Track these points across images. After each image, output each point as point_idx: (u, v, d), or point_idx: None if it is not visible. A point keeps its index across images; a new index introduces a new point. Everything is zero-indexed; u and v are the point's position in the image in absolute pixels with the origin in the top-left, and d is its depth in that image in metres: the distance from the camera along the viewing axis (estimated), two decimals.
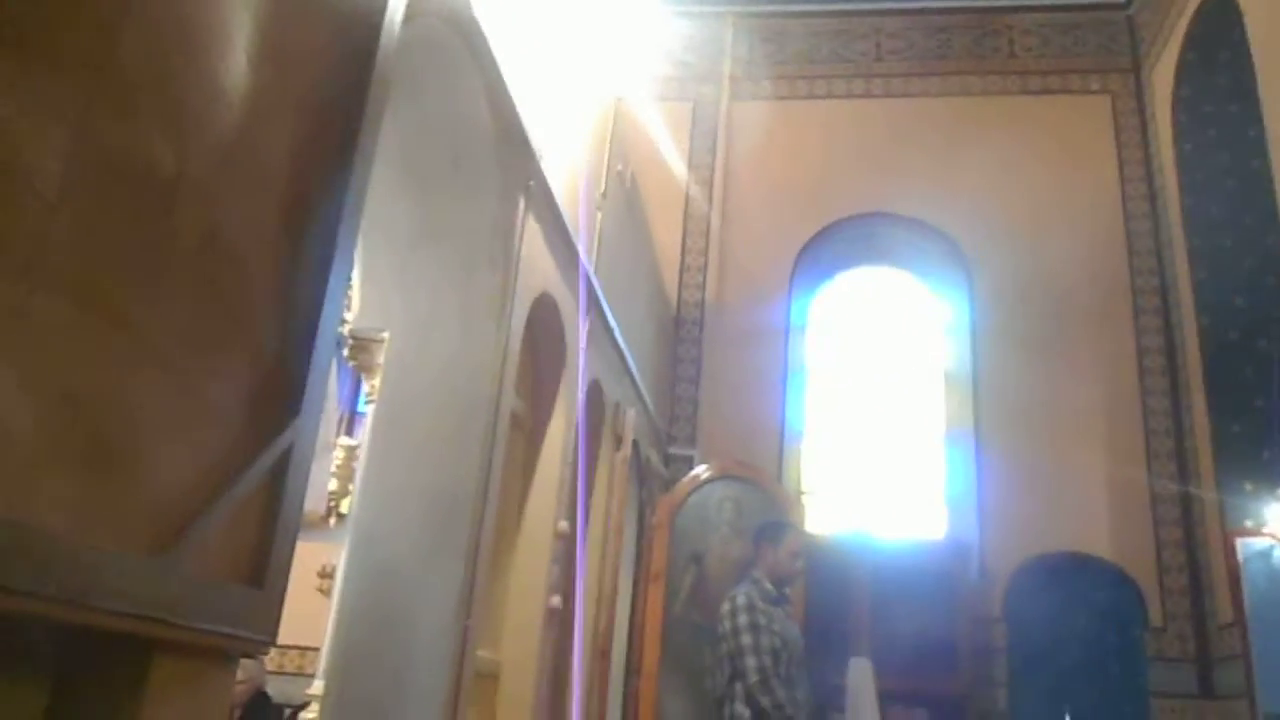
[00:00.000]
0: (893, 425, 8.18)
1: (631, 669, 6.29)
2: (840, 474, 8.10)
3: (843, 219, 8.29)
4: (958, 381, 8.04)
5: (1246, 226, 7.04)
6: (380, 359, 3.34)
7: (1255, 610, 6.13)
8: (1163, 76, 7.85)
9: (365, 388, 3.40)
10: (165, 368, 1.51)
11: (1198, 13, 7.21)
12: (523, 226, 3.56)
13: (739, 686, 4.12)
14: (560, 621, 4.64)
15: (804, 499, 7.73)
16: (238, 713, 4.27)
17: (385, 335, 3.37)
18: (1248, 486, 6.60)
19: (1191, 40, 7.41)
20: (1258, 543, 6.27)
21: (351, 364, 3.37)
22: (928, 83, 8.68)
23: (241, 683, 4.11)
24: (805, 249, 8.24)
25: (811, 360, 8.37)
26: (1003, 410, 7.60)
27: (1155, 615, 6.93)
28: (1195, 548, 7.01)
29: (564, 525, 4.52)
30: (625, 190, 5.70)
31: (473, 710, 3.51)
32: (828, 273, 8.59)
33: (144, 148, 1.42)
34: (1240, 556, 6.29)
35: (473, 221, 3.40)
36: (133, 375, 1.43)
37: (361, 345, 3.34)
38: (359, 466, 3.33)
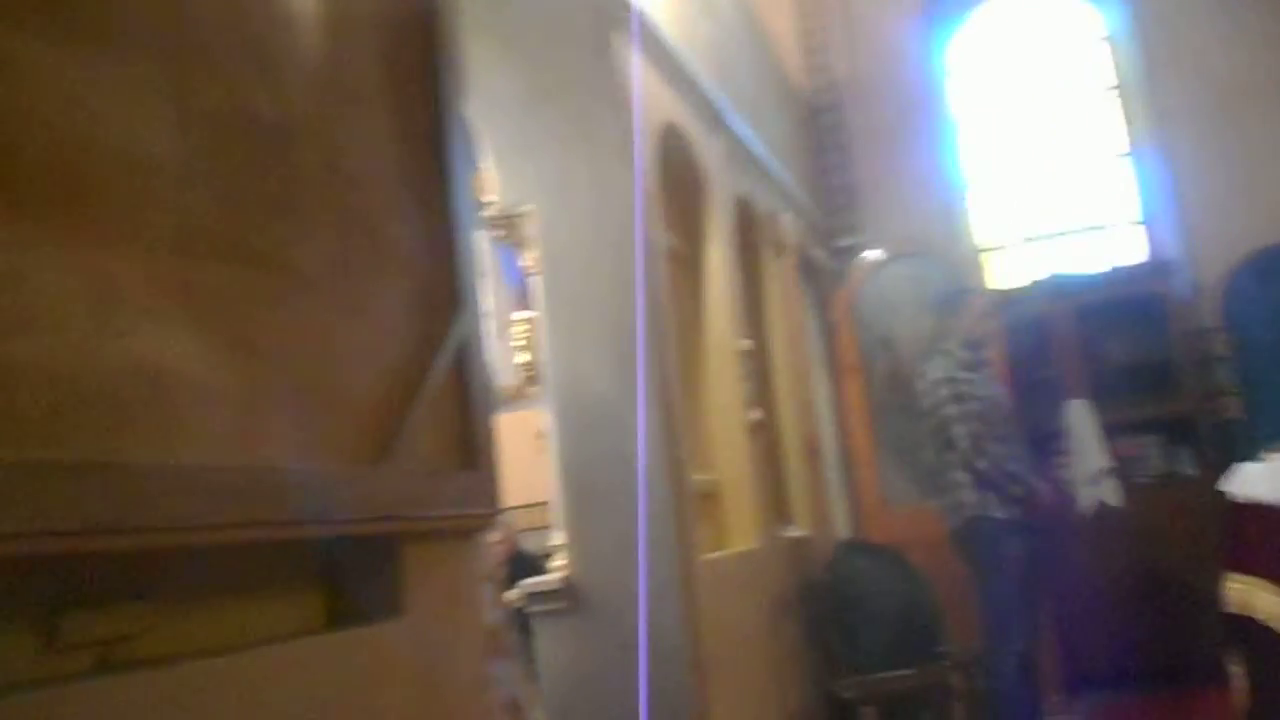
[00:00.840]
0: (1065, 155, 7.66)
1: (845, 460, 6.43)
2: (1017, 222, 7.72)
3: None
4: (1132, 93, 7.38)
5: None
6: (530, 231, 3.44)
7: None
8: None
9: (525, 261, 3.52)
10: (329, 297, 1.63)
11: None
12: (627, 63, 3.49)
13: (953, 455, 4.17)
14: (765, 432, 4.79)
15: (983, 258, 7.45)
16: (504, 569, 4.72)
17: (528, 207, 3.44)
18: None
19: None
20: None
21: (508, 242, 3.48)
22: None
23: (500, 543, 4.52)
24: None
25: (965, 109, 7.86)
26: (1187, 111, 6.95)
27: None
28: None
29: (746, 343, 4.59)
30: None
31: (701, 528, 3.72)
32: (963, 7, 7.91)
33: (245, 103, 1.49)
34: None
35: (576, 71, 3.37)
36: (303, 312, 1.56)
37: (511, 222, 3.44)
38: (541, 334, 3.49)
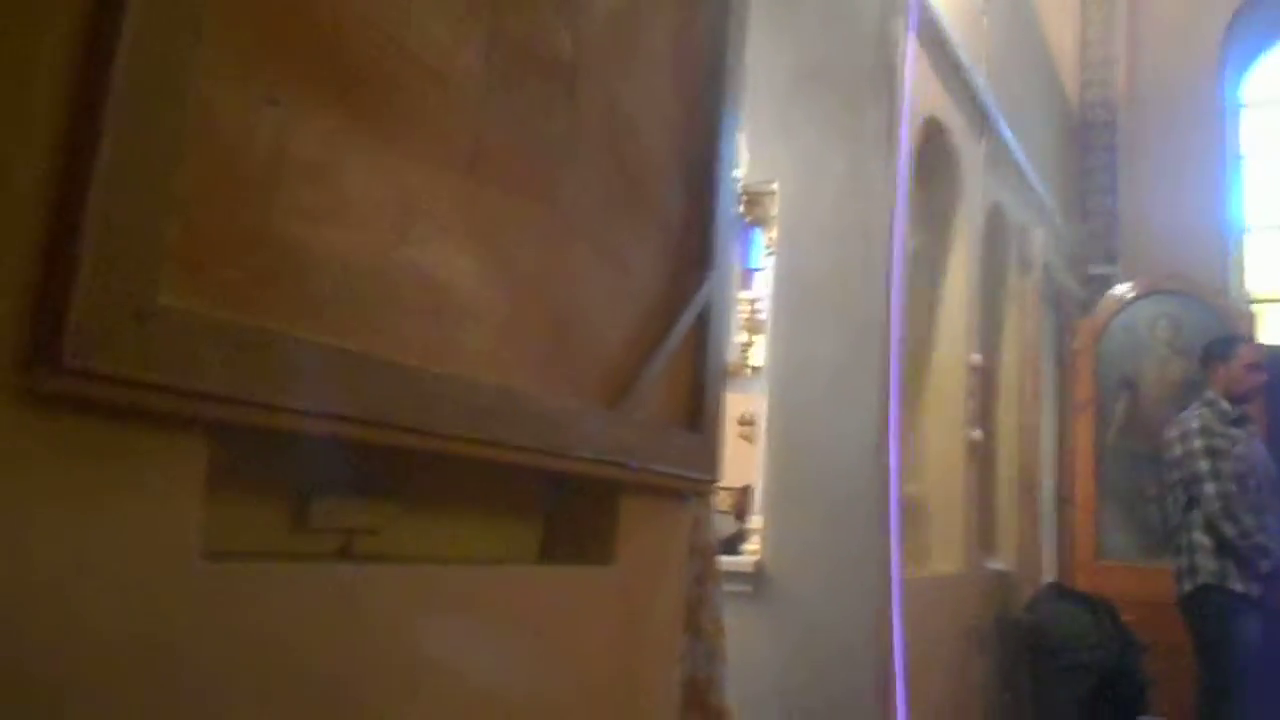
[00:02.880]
0: None
1: (1062, 501, 6.02)
2: None
3: None
4: None
5: None
6: (774, 211, 3.38)
7: None
8: None
9: (763, 240, 3.47)
10: (591, 240, 1.64)
11: None
12: (903, 52, 3.36)
13: (1197, 514, 3.81)
14: (983, 455, 4.54)
15: (1255, 307, 6.76)
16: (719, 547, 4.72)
17: (775, 186, 3.39)
18: None
19: None
20: None
21: (747, 219, 3.45)
22: None
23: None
24: (1237, 14, 6.93)
25: (1255, 145, 7.14)
26: None
27: None
28: None
29: (976, 358, 4.36)
30: None
31: (904, 544, 3.58)
32: (1266, 41, 7.17)
33: (544, 35, 1.52)
34: None
35: (851, 54, 3.28)
36: (567, 250, 1.58)
37: (754, 199, 3.40)
38: (766, 316, 3.44)
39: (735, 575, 3.33)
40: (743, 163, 3.48)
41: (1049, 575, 5.73)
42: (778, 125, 3.41)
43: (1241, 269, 6.96)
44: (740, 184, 3.47)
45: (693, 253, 1.93)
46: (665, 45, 1.88)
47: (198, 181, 0.97)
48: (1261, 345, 5.69)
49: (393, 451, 1.24)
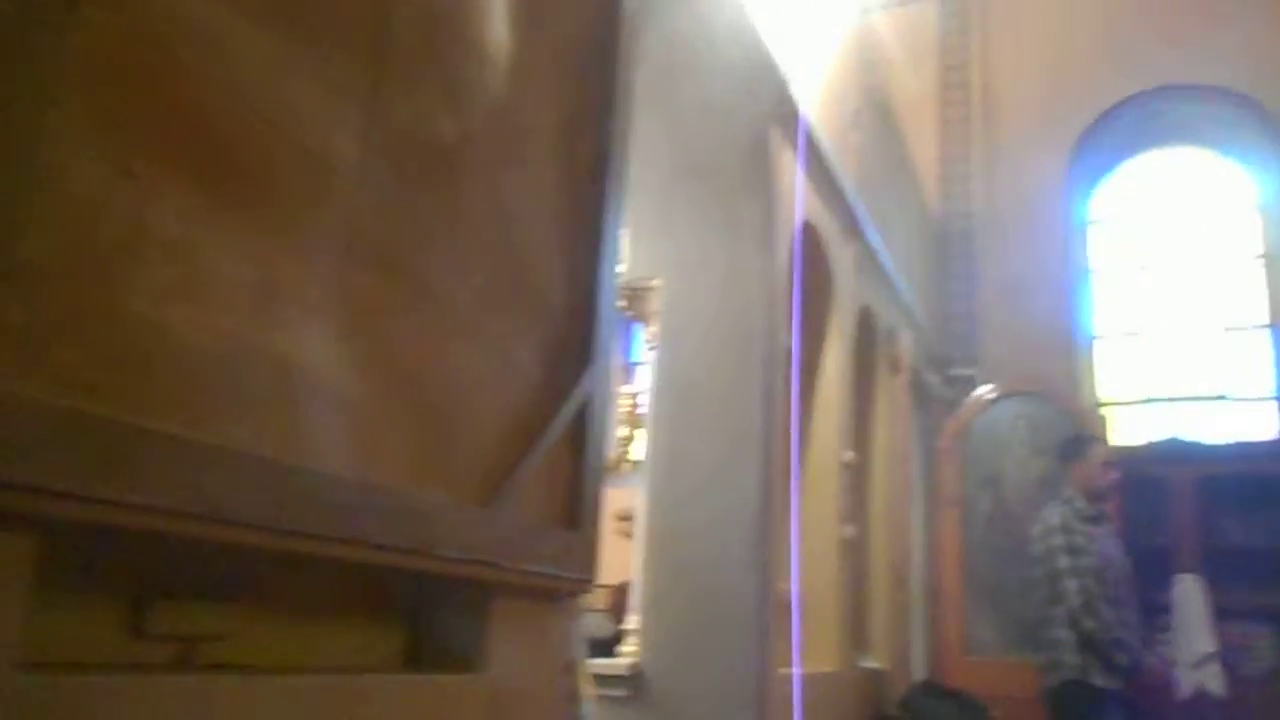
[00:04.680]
0: (1200, 320, 7.37)
1: (931, 596, 6.13)
2: (1146, 379, 7.41)
3: (1124, 99, 7.46)
4: (1277, 263, 7.10)
5: None
6: (655, 306, 3.41)
7: None
8: None
9: (644, 335, 3.48)
10: (469, 330, 1.59)
11: None
12: (779, 157, 3.48)
13: (1060, 610, 3.91)
14: (855, 551, 4.59)
15: (1104, 410, 7.15)
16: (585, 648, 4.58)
17: (657, 282, 3.42)
18: None
19: None
20: None
21: (629, 314, 3.46)
22: None
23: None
24: (1083, 138, 7.51)
25: (1100, 259, 7.67)
26: None
27: None
28: None
29: (849, 455, 4.44)
30: (877, 105, 5.45)
31: (779, 641, 3.55)
32: (1111, 162, 7.79)
33: (427, 120, 1.49)
34: None
35: (729, 157, 3.37)
36: (443, 339, 1.53)
37: (636, 294, 3.41)
38: (647, 412, 3.43)
39: (612, 678, 3.22)
40: (625, 257, 3.51)
41: (920, 671, 5.78)
42: (659, 221, 3.46)
43: (1091, 374, 7.39)
44: (623, 279, 3.49)
45: (574, 346, 1.90)
46: (552, 136, 1.88)
47: (42, 253, 0.89)
48: (1110, 446, 6.01)
49: (240, 550, 1.14)
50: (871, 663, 4.77)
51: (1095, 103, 7.50)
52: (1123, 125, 7.56)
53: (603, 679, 3.25)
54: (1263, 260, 7.28)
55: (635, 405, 4.61)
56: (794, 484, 3.69)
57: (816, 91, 4.12)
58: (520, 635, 1.74)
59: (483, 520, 1.57)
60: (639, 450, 3.67)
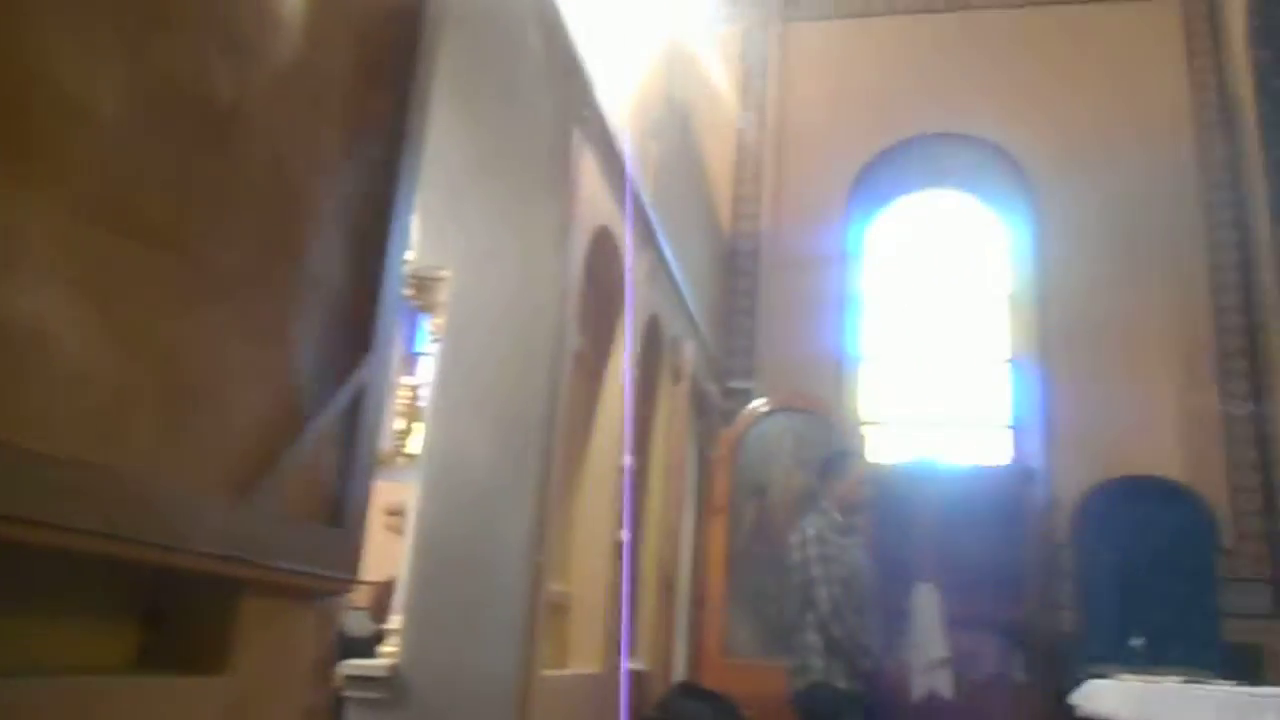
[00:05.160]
0: (954, 351, 8.03)
1: (696, 600, 6.33)
2: (901, 402, 7.99)
3: (902, 141, 8.04)
4: (1023, 305, 7.84)
5: None
6: (442, 297, 3.32)
7: None
8: None
9: (428, 326, 3.38)
10: (236, 305, 1.48)
11: None
12: (578, 158, 3.48)
13: (811, 616, 4.11)
14: (627, 555, 4.66)
15: (865, 429, 7.64)
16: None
17: (446, 273, 3.33)
18: None
19: None
20: None
21: (414, 303, 3.35)
22: None
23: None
24: (863, 173, 8.03)
25: (870, 287, 8.21)
26: (1069, 333, 7.40)
27: (1227, 536, 6.78)
28: (1271, 468, 6.81)
29: (628, 460, 4.50)
30: (678, 118, 5.57)
31: (545, 643, 3.54)
32: (886, 197, 8.37)
33: (201, 76, 1.37)
34: None
35: (528, 153, 3.33)
36: (206, 314, 1.41)
37: (423, 284, 3.31)
38: (426, 405, 3.33)
39: (369, 681, 3.10)
40: (414, 245, 3.39)
41: (681, 673, 5.95)
42: (452, 211, 3.38)
43: (855, 394, 7.88)
44: (410, 266, 3.37)
45: (353, 332, 1.80)
46: (341, 110, 1.78)
47: None
48: (867, 462, 6.42)
49: None
50: (636, 664, 4.85)
51: (875, 142, 8.02)
52: (898, 165, 8.13)
53: (359, 681, 3.12)
54: (1009, 300, 8.01)
55: (415, 398, 4.47)
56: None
57: (621, 98, 4.15)
58: (270, 636, 1.63)
59: (233, 512, 1.46)
60: (416, 444, 3.55)
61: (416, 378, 3.91)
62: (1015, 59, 7.96)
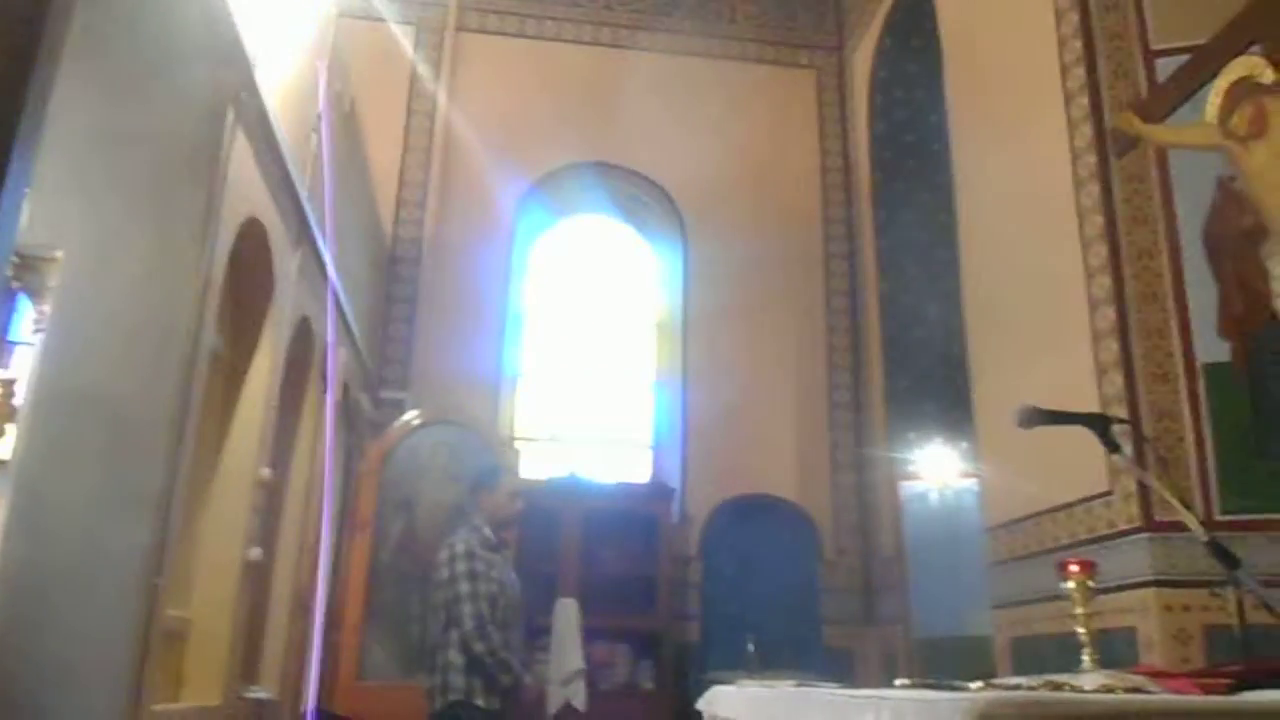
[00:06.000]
0: (605, 373, 8.35)
1: (333, 621, 6.01)
2: (554, 420, 8.17)
3: (570, 164, 8.27)
4: (668, 332, 8.34)
5: (922, 202, 7.81)
6: (52, 281, 2.87)
7: (912, 545, 6.92)
8: (863, 58, 8.47)
9: (31, 313, 2.91)
10: None
11: (896, 2, 7.84)
12: (230, 141, 3.18)
13: (454, 634, 4.04)
14: (260, 575, 4.32)
15: (518, 445, 7.71)
16: None
17: (59, 253, 2.89)
18: (911, 435, 7.39)
19: (890, 27, 8.05)
20: (917, 485, 7.06)
21: (15, 285, 2.87)
22: (655, 38, 8.79)
23: None
24: (530, 191, 8.14)
25: (530, 306, 8.33)
26: (707, 362, 7.98)
27: (829, 550, 7.62)
28: (865, 490, 7.77)
29: (266, 472, 4.17)
30: (343, 113, 5.31)
31: (158, 676, 3.16)
32: (551, 218, 8.55)
33: None
34: (903, 498, 7.06)
35: (173, 129, 2.99)
36: None
37: (29, 263, 2.85)
38: (21, 404, 2.86)
39: None
40: (23, 219, 2.91)
41: (311, 699, 5.60)
42: (74, 183, 2.94)
43: (511, 410, 7.93)
44: (15, 243, 2.89)
45: None
46: None
47: None
48: (518, 477, 6.47)
49: None
50: (261, 693, 4.49)
51: (544, 162, 8.18)
52: (565, 188, 8.35)
53: None
54: (656, 326, 8.49)
55: (8, 393, 3.85)
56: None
57: (283, 85, 3.87)
58: None
59: None
60: (5, 448, 3.04)
61: (11, 371, 3.36)
62: (677, 103, 8.49)
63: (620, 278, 8.67)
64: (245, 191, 3.49)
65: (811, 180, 8.62)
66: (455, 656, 4.10)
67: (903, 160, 8.04)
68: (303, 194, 4.21)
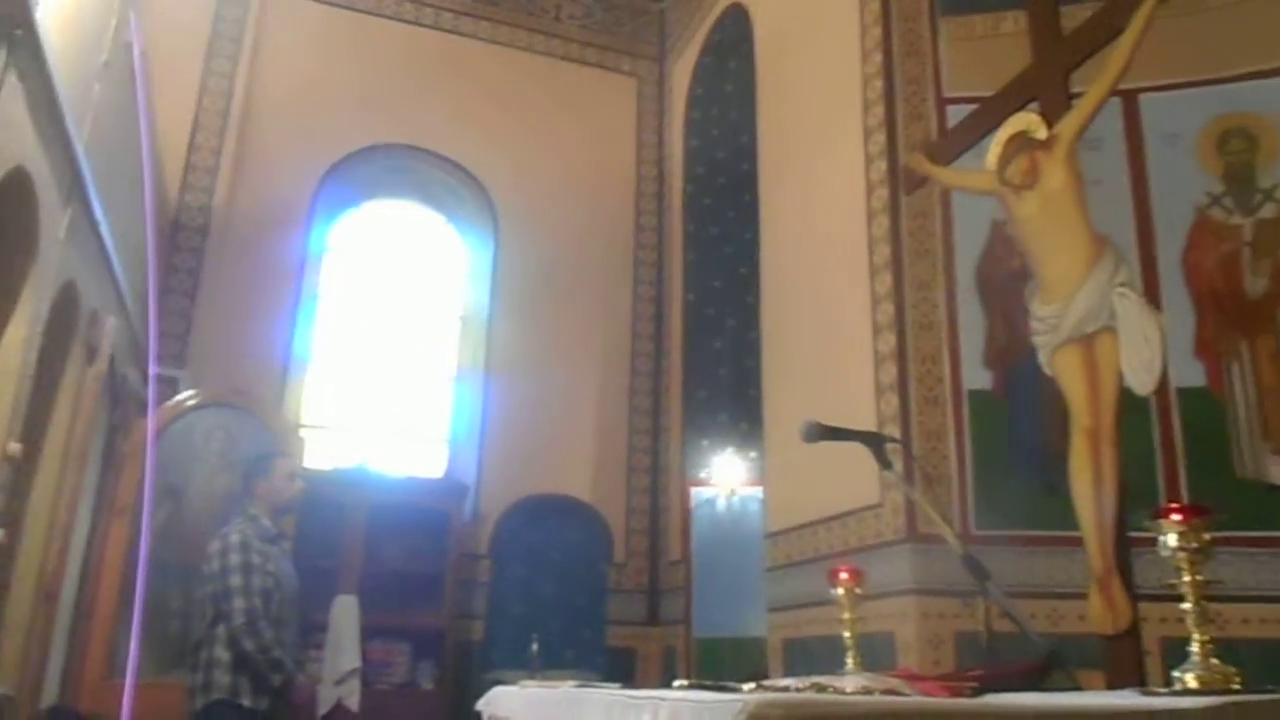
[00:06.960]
0: (403, 363, 8.12)
1: (82, 611, 5.54)
2: (344, 408, 7.86)
3: (378, 145, 7.97)
4: (473, 326, 8.21)
5: (729, 218, 8.09)
6: None
7: (698, 549, 7.13)
8: (683, 72, 8.67)
9: None
10: None
11: (718, 21, 8.07)
12: (1, 81, 2.87)
13: (222, 629, 3.83)
14: (1, 557, 3.91)
15: (303, 432, 7.36)
16: None
17: None
18: (705, 443, 7.62)
19: (710, 46, 8.28)
20: (706, 492, 7.28)
21: None
22: (478, 25, 8.64)
23: None
24: (334, 169, 7.78)
25: (326, 289, 7.97)
26: (511, 358, 7.92)
27: (619, 552, 7.73)
28: (658, 494, 7.94)
29: (15, 447, 3.79)
30: (129, 65, 4.90)
31: None
32: (355, 199, 8.21)
33: None
34: (692, 503, 7.26)
35: None
36: None
37: None
38: None
39: None
40: None
41: (53, 697, 5.14)
42: None
43: (299, 396, 7.55)
44: None
45: None
46: None
47: None
48: (297, 461, 6.19)
49: None
50: None
51: (349, 140, 7.85)
52: (370, 168, 8.05)
53: None
54: (461, 320, 8.34)
55: None
56: None
57: (65, 25, 3.53)
58: None
59: None
60: None
61: None
62: (497, 95, 8.38)
63: (425, 267, 8.46)
64: (13, 135, 3.16)
65: (627, 185, 8.73)
66: (221, 653, 3.88)
67: (714, 176, 8.28)
68: (78, 147, 3.86)
